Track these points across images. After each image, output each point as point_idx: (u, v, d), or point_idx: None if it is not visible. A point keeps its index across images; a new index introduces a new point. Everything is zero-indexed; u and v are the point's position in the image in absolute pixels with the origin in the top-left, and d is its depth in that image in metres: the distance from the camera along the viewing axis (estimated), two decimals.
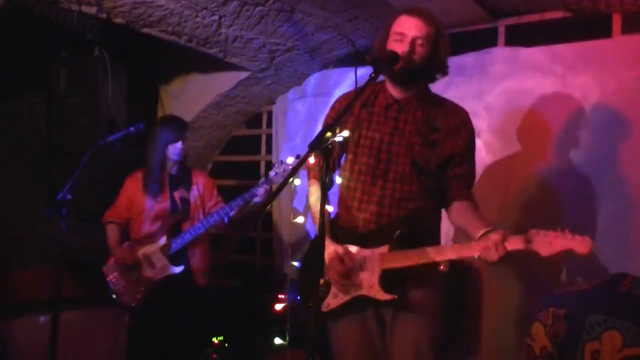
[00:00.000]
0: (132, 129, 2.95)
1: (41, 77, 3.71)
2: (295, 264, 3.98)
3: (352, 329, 2.14)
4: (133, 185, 3.31)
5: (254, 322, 3.87)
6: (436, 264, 2.15)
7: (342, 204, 2.20)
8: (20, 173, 3.77)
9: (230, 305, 4.05)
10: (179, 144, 3.24)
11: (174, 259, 3.18)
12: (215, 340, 3.87)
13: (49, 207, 3.72)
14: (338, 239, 2.12)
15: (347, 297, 2.07)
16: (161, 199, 3.25)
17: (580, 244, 1.72)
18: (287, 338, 3.47)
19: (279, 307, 3.66)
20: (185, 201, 3.29)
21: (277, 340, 3.61)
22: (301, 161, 1.79)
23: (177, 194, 3.28)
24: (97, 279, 3.27)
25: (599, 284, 2.60)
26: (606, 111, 2.96)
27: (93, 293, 3.56)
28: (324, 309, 2.11)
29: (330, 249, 2.08)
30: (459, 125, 2.09)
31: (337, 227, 2.18)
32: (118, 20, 3.24)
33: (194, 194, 3.33)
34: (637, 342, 2.21)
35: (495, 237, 1.81)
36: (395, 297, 1.99)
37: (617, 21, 3.02)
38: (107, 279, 3.21)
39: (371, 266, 2.02)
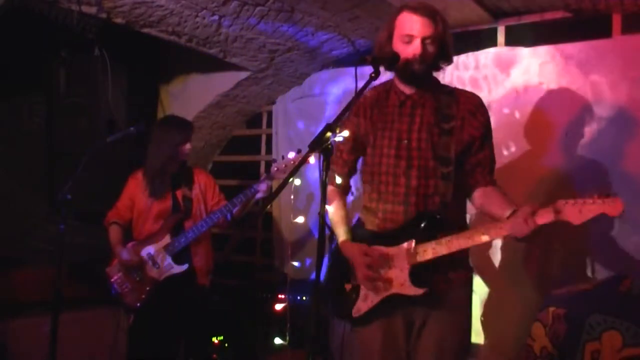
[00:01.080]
0: (132, 129, 2.95)
1: (41, 77, 3.70)
2: (296, 264, 3.99)
3: (377, 332, 2.08)
4: (135, 186, 3.30)
5: (254, 322, 3.87)
6: (468, 261, 2.13)
7: (366, 207, 2.17)
8: (20, 173, 3.77)
9: (230, 305, 4.05)
10: (188, 145, 3.26)
11: (177, 258, 3.17)
12: (215, 340, 3.88)
13: (49, 207, 3.75)
14: (365, 242, 2.09)
15: (378, 298, 2.02)
16: (163, 198, 3.24)
17: (611, 207, 1.68)
18: (287, 338, 3.47)
19: (279, 307, 3.66)
20: (187, 200, 3.28)
21: (277, 340, 3.62)
22: (301, 161, 1.78)
23: (179, 193, 3.28)
24: (97, 279, 3.26)
25: (599, 284, 2.61)
26: (606, 111, 2.96)
27: (93, 293, 3.56)
28: (354, 314, 2.07)
29: (353, 249, 2.06)
30: (474, 109, 2.06)
31: (362, 231, 2.16)
32: (118, 20, 3.24)
33: (195, 192, 3.33)
34: (637, 342, 2.21)
35: (525, 210, 1.78)
36: (427, 290, 1.94)
37: (617, 21, 3.02)
38: (111, 280, 3.20)
39: (399, 263, 1.98)
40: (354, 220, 2.25)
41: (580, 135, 3.03)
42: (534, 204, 1.82)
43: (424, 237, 1.96)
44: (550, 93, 3.14)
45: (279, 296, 3.73)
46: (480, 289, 3.20)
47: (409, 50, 1.98)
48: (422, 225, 1.98)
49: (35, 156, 3.77)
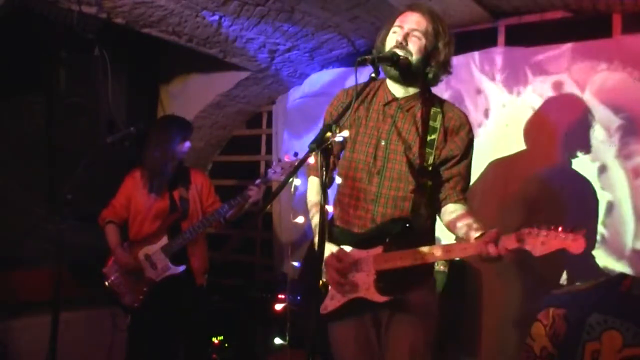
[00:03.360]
0: (132, 129, 2.96)
1: (41, 77, 3.70)
2: (296, 264, 3.99)
3: (350, 330, 2.11)
4: (132, 185, 3.30)
5: (254, 322, 3.87)
6: (432, 265, 2.15)
7: (339, 202, 2.18)
8: (20, 173, 3.76)
9: (230, 305, 4.05)
10: (187, 143, 3.28)
11: (174, 259, 3.17)
12: (215, 340, 3.87)
13: (49, 207, 3.75)
14: (335, 239, 2.11)
15: (344, 299, 2.05)
16: (160, 199, 3.24)
17: (573, 243, 1.67)
18: (287, 338, 3.47)
19: (279, 307, 3.66)
20: (184, 200, 3.28)
21: (277, 340, 3.62)
22: (301, 161, 1.77)
23: (176, 194, 3.28)
24: (97, 279, 3.26)
25: (599, 284, 2.60)
26: (606, 111, 2.96)
27: (93, 293, 3.56)
28: (322, 311, 2.09)
29: (326, 249, 2.06)
30: (459, 126, 2.08)
31: (334, 227, 2.16)
32: (118, 20, 3.24)
33: (192, 192, 3.33)
34: (637, 342, 2.21)
35: (490, 235, 1.79)
36: (391, 298, 1.96)
37: (617, 21, 3.02)
38: (108, 281, 3.20)
39: (366, 268, 2.00)
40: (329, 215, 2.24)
41: (580, 136, 3.03)
42: (498, 229, 1.81)
43: (393, 245, 1.97)
44: (550, 93, 3.14)
45: (279, 296, 3.73)
46: (480, 289, 3.20)
47: (393, 39, 2.01)
48: (393, 232, 1.99)
49: (35, 156, 3.77)
